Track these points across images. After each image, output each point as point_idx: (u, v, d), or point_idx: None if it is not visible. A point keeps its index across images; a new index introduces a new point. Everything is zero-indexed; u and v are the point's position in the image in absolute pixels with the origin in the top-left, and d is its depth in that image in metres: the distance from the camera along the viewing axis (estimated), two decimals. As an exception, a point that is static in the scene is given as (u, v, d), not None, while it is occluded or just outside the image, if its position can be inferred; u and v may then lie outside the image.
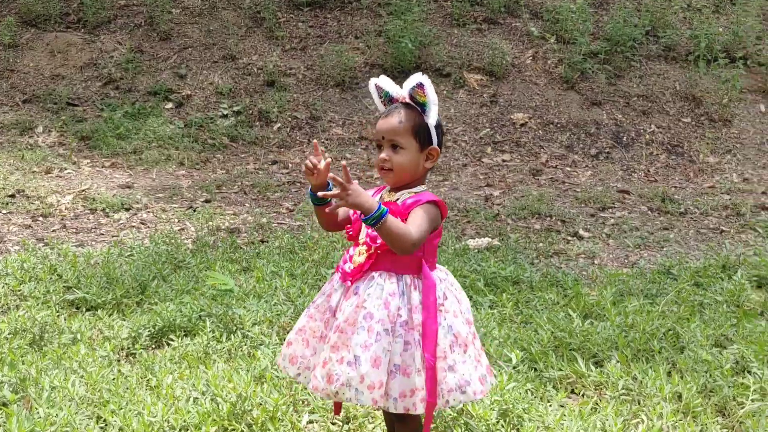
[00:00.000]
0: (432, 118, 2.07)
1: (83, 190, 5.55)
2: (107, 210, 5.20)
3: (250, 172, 6.48)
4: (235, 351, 3.01)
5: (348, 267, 2.11)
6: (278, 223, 5.21)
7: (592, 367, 2.90)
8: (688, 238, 5.37)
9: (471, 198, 6.08)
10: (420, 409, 1.99)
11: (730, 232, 5.53)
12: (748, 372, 2.93)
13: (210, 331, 3.13)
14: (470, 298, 2.93)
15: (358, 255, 2.11)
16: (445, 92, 8.25)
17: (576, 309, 3.59)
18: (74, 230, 4.84)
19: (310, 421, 2.48)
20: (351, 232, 2.20)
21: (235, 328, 3.22)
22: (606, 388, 2.76)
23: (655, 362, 2.96)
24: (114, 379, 2.67)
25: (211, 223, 5.01)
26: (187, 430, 2.20)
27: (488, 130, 7.82)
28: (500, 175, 6.85)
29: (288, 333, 2.26)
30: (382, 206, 1.89)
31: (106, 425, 2.36)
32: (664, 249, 5.12)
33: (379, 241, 2.03)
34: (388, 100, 2.17)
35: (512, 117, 8.05)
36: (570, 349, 3.12)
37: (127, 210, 5.25)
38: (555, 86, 8.48)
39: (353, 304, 2.05)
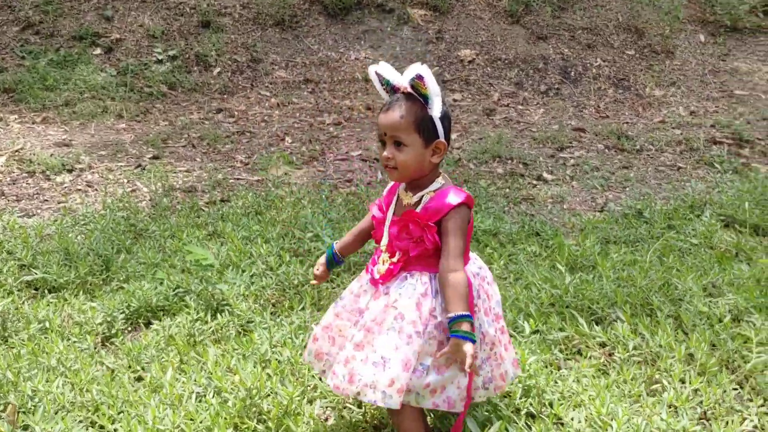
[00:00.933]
0: (436, 110, 1.88)
1: (17, 151, 5.10)
2: (47, 172, 4.79)
3: (196, 123, 6.11)
4: (224, 332, 2.82)
5: (377, 273, 1.99)
6: (235, 178, 4.94)
7: (596, 327, 2.86)
8: (647, 177, 5.40)
9: (429, 142, 5.92)
10: (459, 407, 1.89)
11: (687, 168, 5.59)
12: (741, 321, 2.96)
13: (193, 310, 2.92)
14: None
15: (383, 263, 1.98)
16: (389, 29, 7.96)
17: (561, 261, 3.54)
18: (14, 197, 4.44)
19: (323, 407, 2.35)
20: (376, 238, 2.11)
21: (219, 305, 3.02)
22: (615, 349, 2.72)
23: (656, 318, 2.93)
24: (102, 376, 2.45)
25: (164, 182, 4.70)
26: (201, 435, 2.02)
27: (437, 68, 7.61)
28: (455, 117, 6.69)
29: (313, 326, 2.15)
30: (469, 332, 1.82)
31: (106, 434, 2.15)
32: (627, 189, 5.13)
33: (406, 250, 1.94)
34: (390, 88, 1.97)
35: (459, 54, 7.85)
36: (566, 307, 3.07)
37: (69, 171, 4.86)
38: (500, 20, 8.30)
39: (382, 304, 1.92)
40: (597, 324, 2.94)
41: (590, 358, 2.72)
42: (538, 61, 7.80)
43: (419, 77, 1.83)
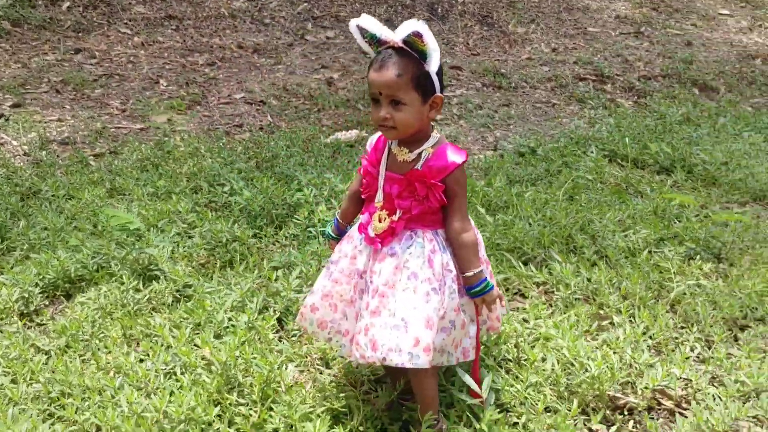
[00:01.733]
0: (434, 65, 1.80)
1: None
2: None
3: (53, 65, 5.52)
4: (161, 299, 2.64)
5: (372, 231, 1.90)
6: (116, 127, 4.56)
7: (533, 268, 2.98)
8: (527, 114, 5.62)
9: (312, 83, 5.76)
10: (471, 355, 1.91)
11: (560, 104, 5.88)
12: (651, 252, 3.20)
13: (124, 278, 2.70)
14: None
15: (379, 221, 1.90)
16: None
17: (477, 203, 3.62)
18: None
19: (293, 372, 2.28)
20: (366, 194, 2.00)
21: (147, 271, 2.81)
22: (555, 288, 2.85)
23: (582, 255, 3.10)
24: (45, 362, 2.22)
25: (37, 133, 4.24)
26: (190, 419, 1.89)
27: (305, 4, 7.36)
28: (331, 55, 6.55)
29: (306, 294, 2.07)
30: (488, 281, 1.88)
31: (77, 429, 1.96)
32: (512, 126, 5.32)
33: (408, 209, 1.88)
34: (376, 42, 1.86)
35: (327, -11, 7.65)
36: (497, 249, 3.16)
37: None
38: (364, -46, 8.14)
39: (392, 265, 1.86)
40: (525, 264, 3.06)
41: (531, 298, 2.84)
42: (406, -3, 7.78)
43: (417, 34, 1.74)
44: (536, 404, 2.06)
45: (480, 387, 2.00)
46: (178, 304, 2.62)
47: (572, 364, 2.24)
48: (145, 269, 2.83)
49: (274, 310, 2.54)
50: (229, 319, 2.44)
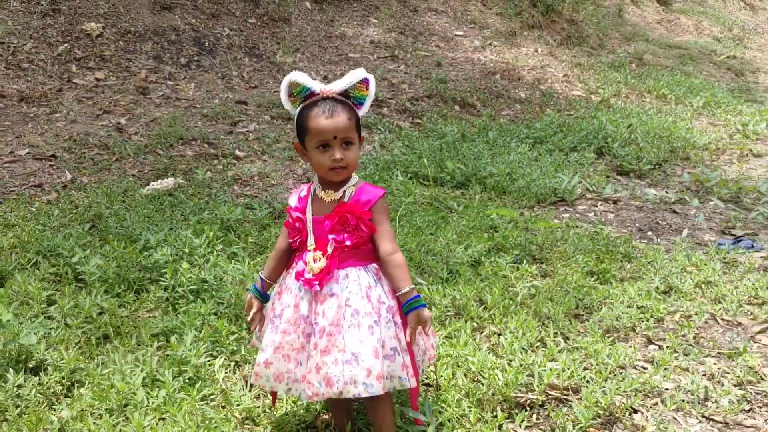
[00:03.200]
0: (365, 110, 2.09)
1: None
2: None
3: None
4: (53, 390, 2.48)
5: (310, 273, 2.04)
6: None
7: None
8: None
9: (100, 131, 5.48)
10: (413, 383, 2.12)
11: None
12: (480, 264, 3.66)
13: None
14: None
15: (314, 261, 2.06)
16: (-6, 0, 6.92)
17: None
18: None
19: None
20: (297, 243, 2.11)
21: (21, 363, 2.60)
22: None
23: (438, 275, 3.45)
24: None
25: None
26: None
27: (65, 45, 6.92)
28: (108, 98, 6.25)
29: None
30: (420, 297, 2.03)
31: None
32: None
33: (342, 241, 2.03)
34: (304, 95, 2.05)
35: (84, 27, 7.24)
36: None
37: None
38: (118, -11, 7.84)
39: (335, 305, 2.03)
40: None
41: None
42: (170, 33, 7.64)
43: (364, 81, 1.99)
44: (469, 417, 2.33)
45: (419, 412, 2.23)
46: (73, 392, 2.48)
47: (482, 375, 2.55)
48: (19, 362, 2.61)
49: (189, 378, 2.52)
50: (149, 397, 2.38)
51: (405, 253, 3.60)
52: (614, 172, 5.78)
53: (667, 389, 2.64)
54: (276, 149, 5.59)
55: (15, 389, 2.44)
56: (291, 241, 2.15)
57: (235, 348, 2.76)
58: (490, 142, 5.98)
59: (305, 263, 2.06)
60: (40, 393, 2.46)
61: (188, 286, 3.15)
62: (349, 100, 2.06)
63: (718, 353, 2.94)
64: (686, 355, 2.89)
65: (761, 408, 2.56)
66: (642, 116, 7.14)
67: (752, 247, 4.15)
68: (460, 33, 9.88)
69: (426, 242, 3.75)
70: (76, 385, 2.53)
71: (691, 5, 14.36)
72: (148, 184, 4.56)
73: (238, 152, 5.44)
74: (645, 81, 9.08)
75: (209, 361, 2.65)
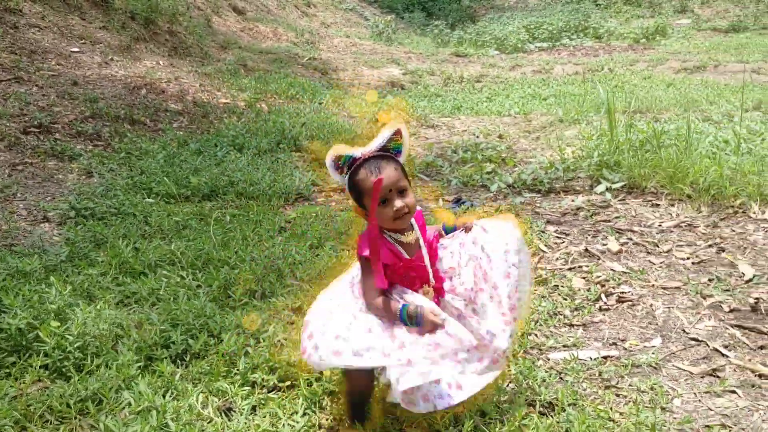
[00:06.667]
0: (404, 156, 2.28)
1: None
2: None
3: None
4: None
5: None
6: None
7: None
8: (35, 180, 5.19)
9: None
10: None
11: (64, 164, 5.58)
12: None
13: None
14: None
15: (425, 294, 2.31)
16: None
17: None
18: None
19: None
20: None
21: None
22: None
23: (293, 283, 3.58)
24: None
25: None
26: None
27: None
28: None
29: None
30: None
31: None
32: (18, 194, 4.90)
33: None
34: (350, 163, 2.17)
35: None
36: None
37: None
38: None
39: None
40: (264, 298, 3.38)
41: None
42: None
43: (398, 132, 2.17)
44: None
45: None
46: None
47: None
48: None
49: None
50: None
51: (246, 268, 3.63)
52: (318, 165, 6.32)
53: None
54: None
55: None
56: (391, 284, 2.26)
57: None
58: (202, 153, 5.97)
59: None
60: None
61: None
62: (388, 152, 2.21)
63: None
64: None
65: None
66: (302, 115, 7.81)
67: (473, 205, 5.13)
68: (76, 49, 9.21)
69: (267, 252, 3.81)
70: None
71: (262, 14, 15.57)
72: None
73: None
74: (268, 85, 9.79)
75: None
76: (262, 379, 2.68)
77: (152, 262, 3.66)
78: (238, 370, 2.71)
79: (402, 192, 2.19)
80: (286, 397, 2.61)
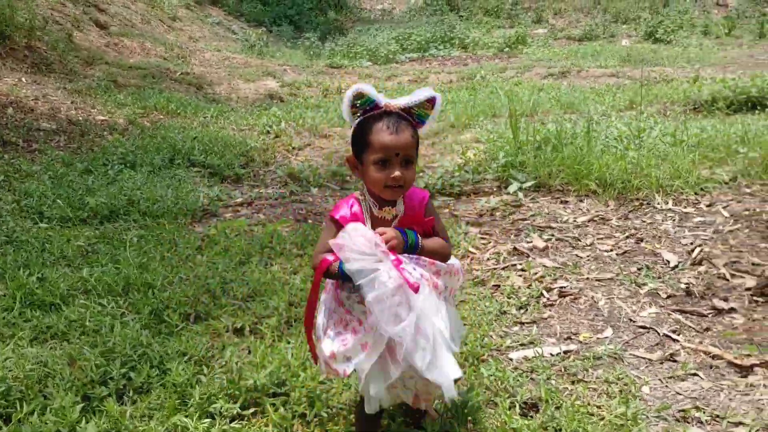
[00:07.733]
0: (425, 130, 2.04)
1: None
2: None
3: None
4: None
5: None
6: None
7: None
8: None
9: None
10: None
11: None
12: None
13: None
14: None
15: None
16: None
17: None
18: None
19: None
20: None
21: None
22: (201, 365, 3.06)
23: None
24: None
25: None
26: None
27: None
28: None
29: None
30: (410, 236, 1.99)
31: None
32: None
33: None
34: (368, 107, 1.95)
35: None
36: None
37: None
38: None
39: None
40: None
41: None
42: None
43: (431, 100, 1.96)
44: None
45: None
46: None
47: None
48: None
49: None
50: None
51: (186, 287, 3.35)
52: (219, 180, 6.01)
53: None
54: None
55: None
56: None
57: None
58: (92, 172, 5.51)
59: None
60: None
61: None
62: (411, 117, 2.00)
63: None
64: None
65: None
66: (190, 129, 7.43)
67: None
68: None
69: (183, 270, 3.51)
70: None
71: (127, 29, 14.77)
72: None
73: None
74: (146, 101, 9.28)
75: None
76: (223, 409, 2.43)
77: (63, 291, 3.29)
78: (194, 401, 2.45)
79: (407, 163, 1.97)
80: (253, 426, 2.39)
